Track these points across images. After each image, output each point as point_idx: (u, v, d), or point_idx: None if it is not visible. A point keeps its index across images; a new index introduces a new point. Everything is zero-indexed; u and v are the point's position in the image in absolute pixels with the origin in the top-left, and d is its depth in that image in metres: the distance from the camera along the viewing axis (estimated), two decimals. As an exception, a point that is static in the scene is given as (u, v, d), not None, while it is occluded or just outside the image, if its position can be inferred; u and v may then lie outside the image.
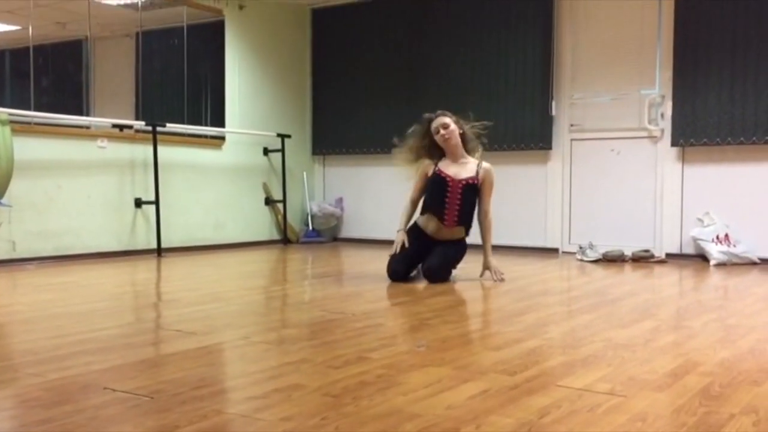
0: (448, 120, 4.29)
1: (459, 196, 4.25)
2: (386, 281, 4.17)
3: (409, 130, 4.41)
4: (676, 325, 3.00)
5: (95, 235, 5.57)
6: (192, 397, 1.89)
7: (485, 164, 4.32)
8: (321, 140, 7.38)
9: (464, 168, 4.29)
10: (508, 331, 2.82)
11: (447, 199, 4.25)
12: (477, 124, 4.39)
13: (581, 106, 6.03)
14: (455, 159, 4.31)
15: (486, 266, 4.35)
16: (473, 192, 4.28)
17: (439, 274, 4.22)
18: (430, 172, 4.31)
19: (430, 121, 4.32)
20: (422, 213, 4.37)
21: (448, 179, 4.26)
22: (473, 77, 6.33)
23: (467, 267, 4.51)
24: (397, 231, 4.35)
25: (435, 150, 4.34)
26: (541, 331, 2.84)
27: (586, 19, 5.98)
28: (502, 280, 4.25)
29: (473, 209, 4.34)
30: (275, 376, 2.11)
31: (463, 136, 4.31)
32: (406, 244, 4.25)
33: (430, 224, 4.30)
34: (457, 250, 4.36)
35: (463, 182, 4.24)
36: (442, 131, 4.26)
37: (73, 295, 3.75)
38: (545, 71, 6.04)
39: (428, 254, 4.27)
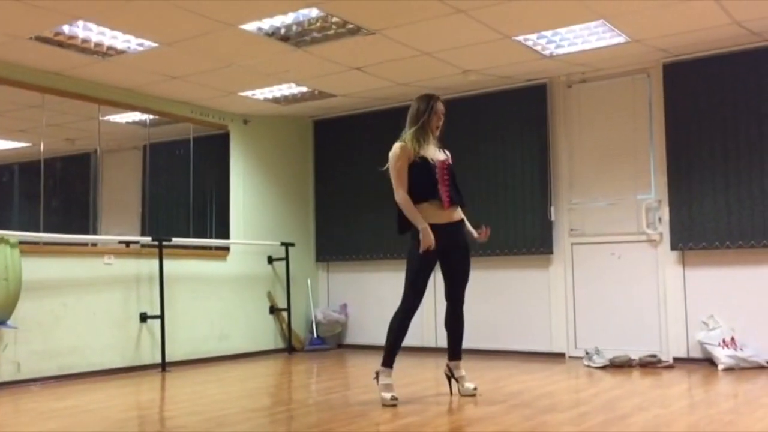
0: None
1: (446, 176, 4.17)
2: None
3: (410, 113, 4.23)
4: (686, 448, 2.96)
5: (100, 352, 5.56)
6: None
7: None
8: (325, 247, 7.46)
9: (435, 150, 4.22)
10: (516, 460, 2.78)
11: (438, 182, 4.14)
12: None
13: (580, 211, 6.13)
14: (433, 141, 4.21)
15: (479, 232, 4.32)
16: (452, 171, 4.24)
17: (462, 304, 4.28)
18: (412, 158, 4.12)
19: (434, 97, 4.21)
20: (421, 202, 4.11)
21: (433, 162, 4.15)
22: (473, 184, 6.45)
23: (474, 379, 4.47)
24: (423, 229, 4.02)
25: (423, 133, 4.19)
26: (550, 458, 2.80)
27: (580, 127, 6.17)
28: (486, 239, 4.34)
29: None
30: None
31: None
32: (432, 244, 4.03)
33: (434, 212, 4.12)
34: (466, 262, 4.26)
35: (446, 162, 4.22)
36: (441, 116, 4.21)
37: (77, 423, 3.72)
38: (543, 177, 6.18)
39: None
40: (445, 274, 4.28)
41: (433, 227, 4.07)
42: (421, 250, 4.03)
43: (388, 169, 4.20)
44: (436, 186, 4.13)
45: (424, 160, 4.13)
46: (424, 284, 4.13)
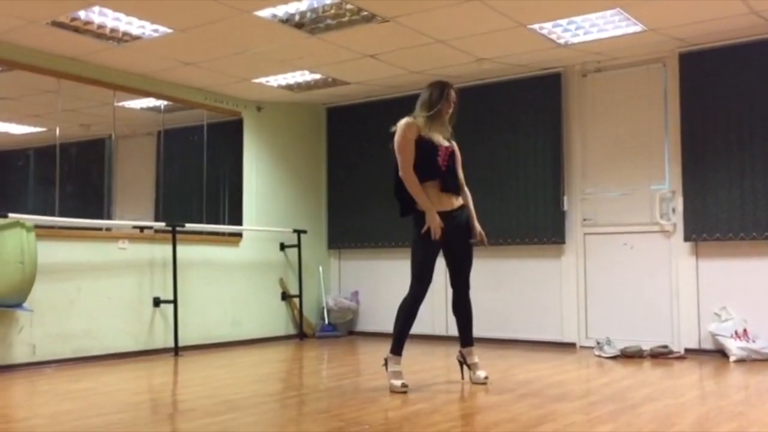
0: None
1: (446, 162, 4.15)
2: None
3: (422, 99, 4.20)
4: (696, 438, 2.96)
5: (114, 335, 5.62)
6: None
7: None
8: (337, 235, 7.49)
9: (441, 138, 4.21)
10: (525, 447, 2.80)
11: (440, 165, 4.12)
12: None
13: (593, 201, 6.11)
14: (441, 129, 4.20)
15: (476, 232, 4.27)
16: (455, 159, 4.25)
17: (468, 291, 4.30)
18: (415, 137, 4.08)
19: (448, 85, 4.21)
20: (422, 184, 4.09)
21: (439, 146, 4.14)
22: (486, 174, 6.44)
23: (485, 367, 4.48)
24: (429, 210, 4.03)
25: (436, 119, 4.16)
26: (559, 446, 2.81)
27: (594, 117, 6.13)
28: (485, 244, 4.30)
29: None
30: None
31: None
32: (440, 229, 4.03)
33: (436, 199, 4.11)
34: (469, 248, 4.27)
35: (450, 149, 4.21)
36: (453, 104, 4.19)
37: (91, 405, 3.77)
38: (556, 167, 6.16)
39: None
40: (449, 262, 4.28)
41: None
42: (423, 231, 4.03)
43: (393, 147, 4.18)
44: (436, 167, 4.11)
45: (430, 142, 4.11)
46: (430, 271, 4.13)
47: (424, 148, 4.10)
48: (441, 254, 4.24)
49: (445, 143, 4.21)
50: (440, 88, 4.20)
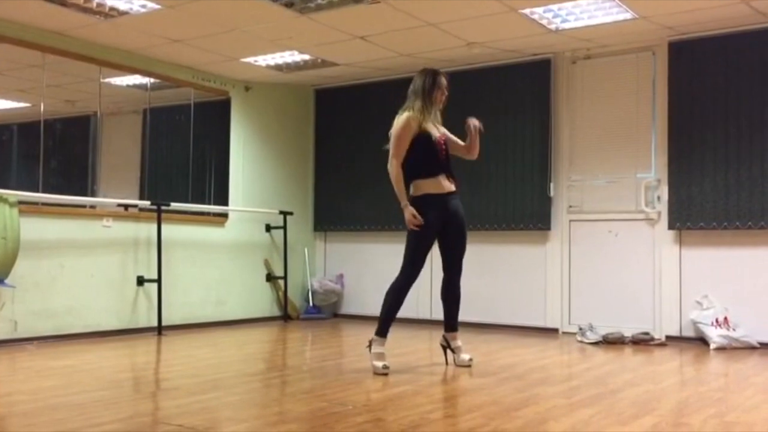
0: None
1: (444, 153, 4.20)
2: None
3: (415, 88, 4.18)
4: (675, 422, 3.00)
5: (96, 313, 5.58)
6: None
7: None
8: (323, 217, 7.47)
9: (434, 126, 4.22)
10: (507, 428, 2.82)
11: (441, 160, 4.17)
12: None
13: (579, 188, 6.14)
14: (434, 118, 4.21)
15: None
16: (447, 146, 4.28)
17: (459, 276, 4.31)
18: (417, 131, 4.09)
19: (439, 73, 4.21)
20: (422, 177, 4.14)
21: (437, 141, 4.16)
22: (473, 158, 6.44)
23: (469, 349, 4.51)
24: (404, 206, 4.07)
25: (429, 107, 4.17)
26: (540, 428, 2.83)
27: (582, 104, 6.14)
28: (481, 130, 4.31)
29: None
30: (275, 484, 2.11)
31: None
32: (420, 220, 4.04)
33: (433, 183, 4.14)
34: (463, 233, 4.27)
35: (443, 138, 4.23)
36: (446, 91, 4.22)
37: (73, 382, 3.75)
38: (543, 153, 6.17)
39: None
40: (443, 246, 4.29)
41: (433, 197, 4.12)
42: (409, 226, 4.08)
43: (388, 140, 4.20)
44: (438, 164, 4.16)
45: (428, 137, 4.12)
46: (423, 259, 4.16)
47: (425, 144, 4.12)
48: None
49: (438, 133, 4.22)
50: (432, 75, 4.20)
